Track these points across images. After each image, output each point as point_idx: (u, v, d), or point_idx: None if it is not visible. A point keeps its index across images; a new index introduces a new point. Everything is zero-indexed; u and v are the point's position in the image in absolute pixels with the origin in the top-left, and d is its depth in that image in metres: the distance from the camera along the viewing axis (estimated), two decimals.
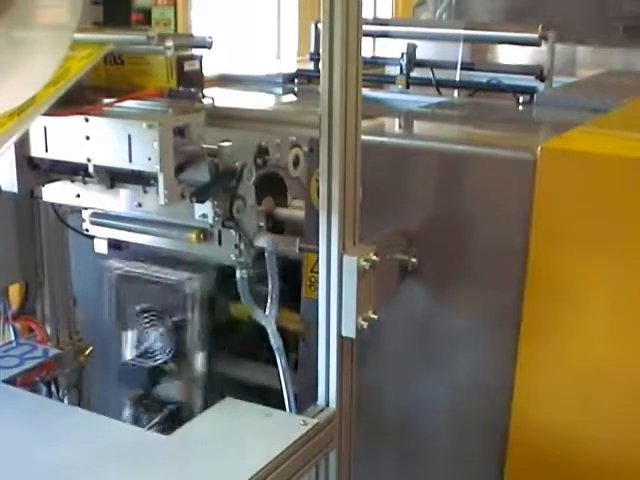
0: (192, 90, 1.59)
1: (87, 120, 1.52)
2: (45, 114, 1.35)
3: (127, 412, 1.95)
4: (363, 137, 1.51)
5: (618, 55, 4.03)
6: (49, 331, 2.00)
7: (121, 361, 1.94)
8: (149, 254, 1.89)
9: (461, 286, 1.77)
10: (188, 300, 1.86)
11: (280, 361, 1.64)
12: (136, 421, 1.93)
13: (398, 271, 1.76)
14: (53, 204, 1.83)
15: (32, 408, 1.61)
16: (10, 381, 1.76)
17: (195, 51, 1.64)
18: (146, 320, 1.84)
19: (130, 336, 1.89)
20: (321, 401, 1.59)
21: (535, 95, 2.53)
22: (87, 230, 1.79)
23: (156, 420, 1.87)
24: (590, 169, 1.61)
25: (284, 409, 1.62)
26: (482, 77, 2.82)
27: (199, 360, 1.88)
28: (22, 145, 1.59)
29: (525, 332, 1.70)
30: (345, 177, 1.47)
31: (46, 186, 1.71)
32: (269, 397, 1.84)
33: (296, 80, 3.02)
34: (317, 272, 1.54)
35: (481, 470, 1.84)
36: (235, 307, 2.01)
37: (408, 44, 2.77)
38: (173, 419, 1.86)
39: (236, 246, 1.59)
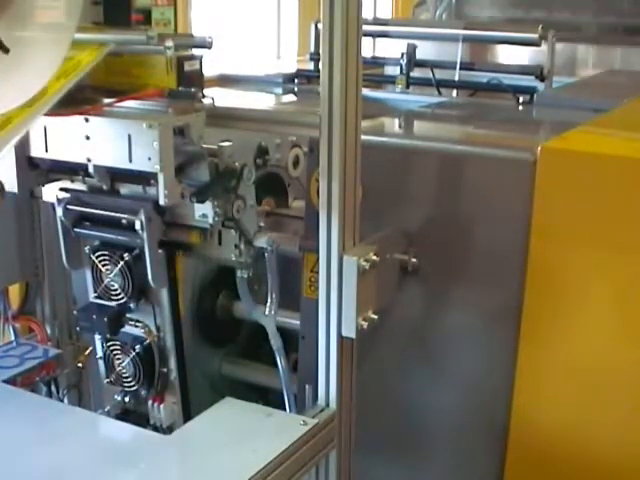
0: (192, 90, 1.59)
1: (87, 120, 1.52)
2: (45, 114, 1.36)
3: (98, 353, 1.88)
4: (363, 137, 1.51)
5: (618, 55, 4.03)
6: (49, 331, 2.00)
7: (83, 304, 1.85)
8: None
9: (461, 286, 1.77)
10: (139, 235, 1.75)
11: (280, 361, 1.65)
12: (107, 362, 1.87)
13: (398, 271, 1.76)
14: (53, 204, 1.83)
15: (32, 408, 1.61)
16: (10, 381, 1.76)
17: (195, 51, 1.64)
18: (99, 259, 1.76)
19: (87, 277, 1.81)
20: (321, 401, 1.59)
21: (535, 95, 2.53)
22: None
23: (126, 361, 1.80)
24: (590, 169, 1.61)
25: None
26: (482, 77, 2.82)
27: (163, 298, 1.77)
28: (22, 145, 1.59)
29: (525, 332, 1.70)
30: (345, 177, 1.47)
31: (46, 186, 1.71)
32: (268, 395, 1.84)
33: (296, 80, 3.02)
34: (317, 272, 1.54)
35: (481, 470, 1.84)
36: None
37: (408, 44, 2.78)
38: (142, 359, 1.80)
39: (236, 246, 1.59)
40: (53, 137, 1.58)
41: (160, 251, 1.64)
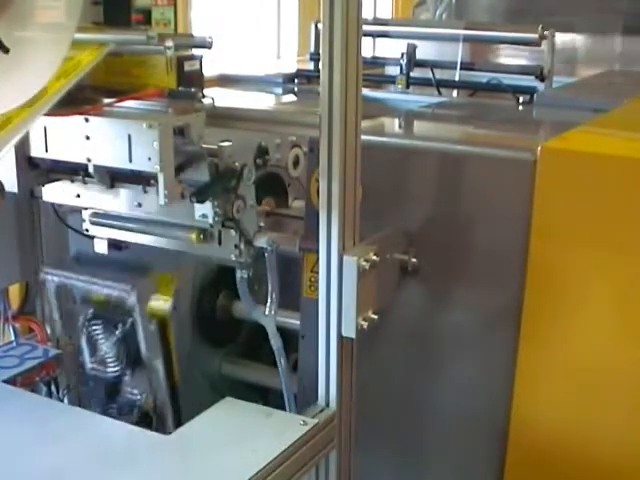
0: (192, 90, 1.59)
1: (87, 120, 1.52)
2: (45, 114, 1.36)
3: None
4: (363, 137, 1.51)
5: (618, 53, 4.03)
6: (49, 331, 2.00)
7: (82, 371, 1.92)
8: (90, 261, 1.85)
9: (461, 286, 1.77)
10: (130, 309, 1.79)
11: (280, 361, 1.64)
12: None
13: (398, 271, 1.76)
14: (53, 204, 1.83)
15: (32, 408, 1.61)
16: (10, 381, 1.76)
17: (195, 51, 1.64)
18: (94, 330, 1.81)
19: (84, 346, 1.86)
20: (321, 401, 1.59)
21: (535, 95, 2.53)
22: (87, 230, 1.79)
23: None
24: (590, 169, 1.61)
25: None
26: (482, 77, 2.82)
27: (157, 367, 1.82)
28: (22, 145, 1.59)
29: (525, 332, 1.70)
30: (345, 177, 1.47)
31: (46, 186, 1.71)
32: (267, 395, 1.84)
33: (296, 80, 3.02)
34: (317, 272, 1.54)
35: (481, 470, 1.84)
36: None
37: (408, 44, 2.78)
38: (142, 424, 1.83)
39: (236, 246, 1.59)
40: (53, 137, 1.58)
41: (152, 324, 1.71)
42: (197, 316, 2.00)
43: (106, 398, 1.82)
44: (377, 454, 1.92)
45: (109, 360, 1.78)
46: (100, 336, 1.78)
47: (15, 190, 1.65)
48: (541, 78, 2.69)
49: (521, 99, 2.55)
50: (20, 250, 1.93)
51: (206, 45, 1.62)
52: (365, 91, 1.51)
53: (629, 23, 4.10)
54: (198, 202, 1.52)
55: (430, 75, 2.80)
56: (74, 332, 1.86)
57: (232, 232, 1.58)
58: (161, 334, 1.78)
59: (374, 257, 1.54)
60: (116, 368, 1.78)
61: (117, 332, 1.74)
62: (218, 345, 2.09)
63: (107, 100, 1.58)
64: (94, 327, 1.78)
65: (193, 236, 1.61)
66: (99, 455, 1.42)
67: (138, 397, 1.81)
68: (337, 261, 1.51)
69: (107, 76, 1.64)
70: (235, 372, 2.11)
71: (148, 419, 1.83)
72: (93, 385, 1.81)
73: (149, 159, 1.46)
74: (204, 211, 1.55)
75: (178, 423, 1.82)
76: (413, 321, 1.84)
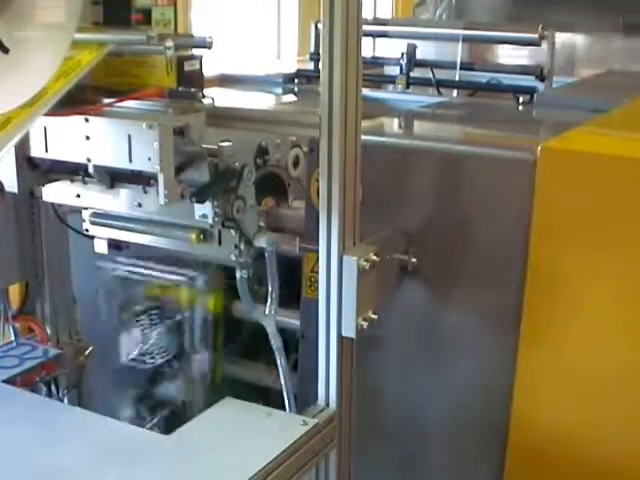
0: (192, 90, 1.59)
1: (87, 120, 1.52)
2: (45, 114, 1.36)
3: (127, 412, 1.95)
4: (363, 137, 1.51)
5: (618, 53, 4.03)
6: (49, 331, 2.00)
7: (121, 362, 1.94)
8: (150, 253, 1.89)
9: (461, 286, 1.77)
10: (189, 299, 1.84)
11: (280, 361, 1.64)
12: (136, 420, 1.93)
13: (398, 271, 1.76)
14: (53, 204, 1.83)
15: (32, 408, 1.61)
16: (10, 381, 1.76)
17: (195, 51, 1.64)
18: (146, 320, 1.84)
19: (130, 336, 1.89)
20: (321, 401, 1.59)
21: (535, 95, 2.53)
22: (87, 230, 1.79)
23: (155, 421, 1.87)
24: (590, 169, 1.61)
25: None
26: (482, 77, 2.82)
27: (199, 360, 1.88)
28: (22, 145, 1.59)
29: (525, 332, 1.70)
30: (345, 177, 1.47)
31: (46, 186, 1.71)
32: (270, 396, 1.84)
33: (296, 80, 3.02)
34: (317, 272, 1.54)
35: (481, 470, 1.84)
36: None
37: (408, 44, 2.78)
38: (173, 419, 1.86)
39: (236, 246, 1.59)
40: (53, 137, 1.58)
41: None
42: None
43: (141, 390, 1.86)
44: (377, 454, 1.92)
45: (154, 351, 1.81)
46: (151, 327, 1.81)
47: (15, 190, 1.65)
48: (541, 78, 2.70)
49: (521, 99, 2.55)
50: (20, 250, 1.93)
51: (206, 45, 1.62)
52: (365, 91, 1.51)
53: (629, 23, 4.10)
54: (198, 202, 1.52)
55: (430, 75, 2.80)
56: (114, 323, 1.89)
57: (232, 232, 1.58)
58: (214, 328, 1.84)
59: (374, 257, 1.54)
60: (159, 360, 1.81)
61: (169, 323, 1.77)
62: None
63: (107, 100, 1.58)
64: (148, 318, 1.81)
65: (193, 236, 1.61)
66: (99, 455, 1.42)
67: (174, 391, 1.85)
68: (337, 261, 1.51)
69: (107, 76, 1.63)
70: (235, 372, 2.11)
71: (175, 415, 1.86)
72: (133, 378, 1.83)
73: (149, 159, 1.46)
74: (204, 211, 1.55)
75: None
76: (413, 321, 1.84)
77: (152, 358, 1.85)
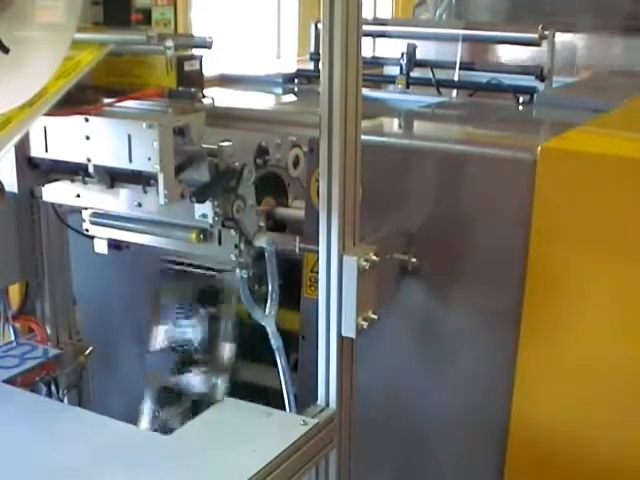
0: (192, 90, 1.59)
1: (87, 120, 1.52)
2: (45, 114, 1.36)
3: (148, 403, 1.98)
4: (363, 137, 1.51)
5: (618, 53, 4.03)
6: (49, 331, 2.00)
7: (149, 350, 1.98)
8: None
9: (461, 286, 1.77)
10: (224, 293, 1.91)
11: (280, 361, 1.64)
12: (156, 412, 1.97)
13: (398, 271, 1.76)
14: (53, 204, 1.83)
15: (32, 408, 1.61)
16: (10, 381, 1.76)
17: (195, 51, 1.64)
18: (180, 312, 1.88)
19: (162, 327, 1.94)
20: (321, 401, 1.59)
21: (535, 95, 2.53)
22: (87, 230, 1.79)
23: (179, 410, 1.90)
24: (590, 169, 1.61)
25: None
26: (482, 77, 2.82)
27: (227, 351, 1.91)
28: (22, 145, 1.59)
29: (525, 332, 1.70)
30: (345, 177, 1.47)
31: (46, 186, 1.71)
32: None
33: (296, 80, 3.02)
34: (317, 272, 1.54)
35: (481, 470, 1.84)
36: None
37: (408, 44, 2.78)
38: (195, 410, 1.88)
39: (236, 246, 1.59)
40: (53, 137, 1.58)
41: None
42: None
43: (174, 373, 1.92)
44: (377, 454, 1.92)
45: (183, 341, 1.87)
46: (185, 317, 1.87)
47: (15, 190, 1.65)
48: (541, 78, 2.70)
49: (521, 99, 2.55)
50: (20, 250, 1.93)
51: (206, 45, 1.62)
52: (365, 91, 1.51)
53: (629, 23, 4.10)
54: (198, 202, 1.52)
55: (430, 75, 2.80)
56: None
57: (232, 232, 1.58)
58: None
59: (374, 257, 1.54)
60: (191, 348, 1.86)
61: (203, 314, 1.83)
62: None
63: (107, 100, 1.58)
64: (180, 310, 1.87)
65: (193, 236, 1.61)
66: (99, 455, 1.42)
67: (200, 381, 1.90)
68: (337, 261, 1.51)
69: (107, 76, 1.63)
70: (236, 372, 2.11)
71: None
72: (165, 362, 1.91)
73: (149, 159, 1.46)
74: (204, 211, 1.55)
75: None
76: (413, 321, 1.84)
77: (180, 347, 1.91)
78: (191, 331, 1.94)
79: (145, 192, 1.59)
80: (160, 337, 1.99)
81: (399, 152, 1.81)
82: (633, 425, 1.65)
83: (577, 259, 1.64)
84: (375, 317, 1.58)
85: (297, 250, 1.64)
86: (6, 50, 1.25)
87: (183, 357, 1.99)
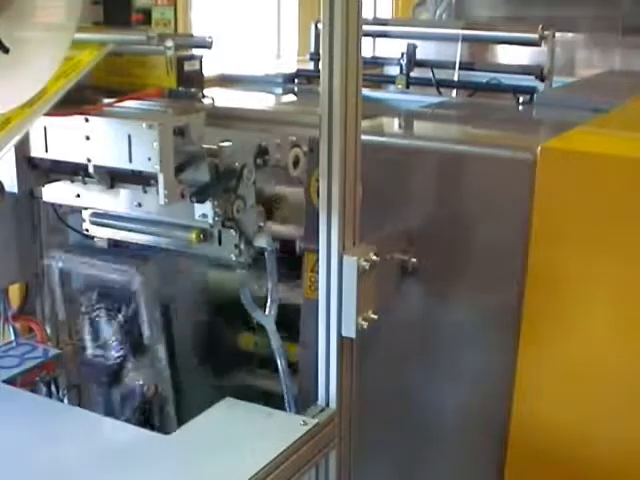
0: (192, 90, 1.59)
1: (87, 120, 1.52)
2: (45, 114, 1.36)
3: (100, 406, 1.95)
4: (363, 137, 1.51)
5: (618, 54, 4.03)
6: (49, 331, 2.00)
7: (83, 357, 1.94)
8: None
9: (461, 286, 1.77)
10: (133, 295, 1.82)
11: (280, 361, 1.64)
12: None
13: (398, 271, 1.76)
14: (53, 204, 1.83)
15: (32, 408, 1.61)
16: (10, 381, 1.76)
17: (195, 51, 1.64)
18: (97, 315, 1.83)
19: (86, 331, 1.89)
20: (321, 401, 1.59)
21: (535, 95, 2.53)
22: (87, 230, 1.79)
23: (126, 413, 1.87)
24: (590, 169, 1.61)
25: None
26: (482, 77, 2.82)
27: (159, 354, 1.85)
28: (22, 145, 1.59)
29: (525, 332, 1.70)
30: (345, 177, 1.47)
31: (46, 186, 1.71)
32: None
33: (296, 80, 3.02)
34: (317, 272, 1.54)
35: (481, 470, 1.84)
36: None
37: (408, 44, 2.78)
38: (143, 412, 1.85)
39: (236, 246, 1.59)
40: (53, 137, 1.58)
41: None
42: None
43: (109, 385, 1.85)
44: (377, 454, 1.92)
45: (112, 345, 1.80)
46: (103, 320, 1.80)
47: (15, 190, 1.65)
48: (541, 78, 2.69)
49: (521, 99, 2.54)
50: (20, 250, 1.93)
51: (206, 45, 1.62)
52: (365, 91, 1.51)
53: (629, 23, 4.10)
54: (198, 202, 1.52)
55: (430, 75, 2.80)
56: (77, 318, 1.88)
57: (232, 232, 1.58)
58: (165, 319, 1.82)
59: (374, 257, 1.54)
60: (119, 353, 1.80)
61: (120, 316, 1.76)
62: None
63: (107, 100, 1.58)
64: (97, 312, 1.80)
65: (193, 236, 1.61)
66: (99, 455, 1.42)
67: (140, 384, 1.84)
68: (337, 261, 1.51)
69: (107, 76, 1.64)
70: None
71: (150, 407, 1.85)
72: (95, 372, 1.84)
73: (149, 159, 1.46)
74: (204, 211, 1.55)
75: (179, 412, 1.85)
76: (413, 321, 1.84)
77: (111, 352, 1.86)
78: (114, 334, 1.90)
79: (145, 192, 1.59)
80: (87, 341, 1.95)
81: (399, 152, 1.81)
82: (633, 424, 1.65)
83: (577, 259, 1.64)
84: (375, 317, 1.58)
85: (297, 250, 1.65)
86: (6, 50, 1.25)
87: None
